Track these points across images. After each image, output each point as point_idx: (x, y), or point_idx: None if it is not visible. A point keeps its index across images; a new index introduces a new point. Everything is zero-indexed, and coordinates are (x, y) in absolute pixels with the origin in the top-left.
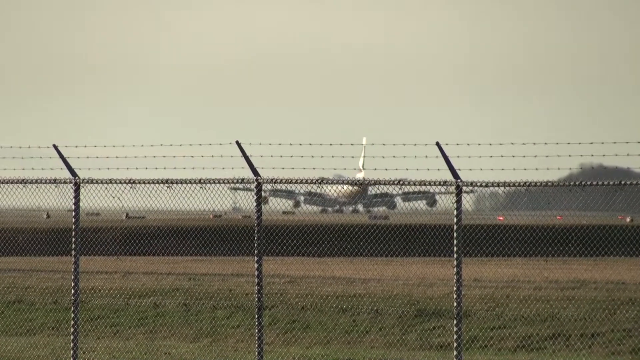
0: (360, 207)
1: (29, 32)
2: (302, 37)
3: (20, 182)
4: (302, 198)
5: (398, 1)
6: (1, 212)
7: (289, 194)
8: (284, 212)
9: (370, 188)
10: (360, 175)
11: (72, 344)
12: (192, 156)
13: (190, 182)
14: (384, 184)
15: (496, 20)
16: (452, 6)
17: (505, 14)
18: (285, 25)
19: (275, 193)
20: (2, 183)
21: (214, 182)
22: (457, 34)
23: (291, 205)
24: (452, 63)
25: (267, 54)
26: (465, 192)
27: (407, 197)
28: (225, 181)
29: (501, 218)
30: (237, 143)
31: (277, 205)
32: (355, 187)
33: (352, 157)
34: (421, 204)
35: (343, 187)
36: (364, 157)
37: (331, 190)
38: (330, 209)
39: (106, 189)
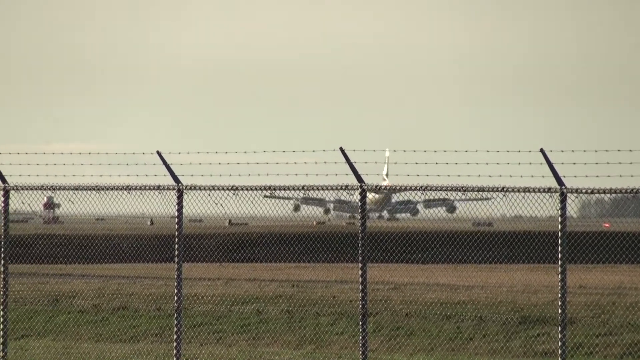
0: (385, 214)
1: (135, 38)
2: (388, 40)
3: (125, 189)
4: (331, 205)
5: (503, 2)
6: (106, 218)
7: (320, 202)
8: (387, 219)
9: (394, 195)
10: (384, 184)
11: (175, 351)
12: (295, 162)
13: (293, 189)
14: (487, 190)
15: (602, 23)
16: (554, 9)
17: (612, 14)
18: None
19: (307, 201)
20: (107, 189)
21: (317, 189)
22: (564, 38)
23: (322, 212)
24: (555, 68)
25: (364, 57)
26: (480, 199)
27: (428, 204)
28: (329, 188)
29: (607, 225)
30: (341, 149)
31: (309, 211)
32: (381, 195)
33: (455, 163)
34: (441, 211)
35: (370, 195)
36: (387, 165)
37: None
38: (358, 215)
39: (209, 195)
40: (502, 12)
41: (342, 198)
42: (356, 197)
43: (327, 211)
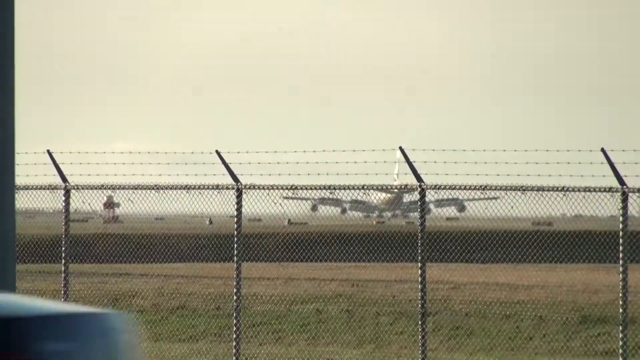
0: (398, 213)
1: (196, 37)
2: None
3: (184, 188)
4: (347, 205)
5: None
6: (166, 218)
7: (336, 202)
8: (447, 219)
9: (405, 195)
10: (395, 183)
11: (234, 350)
12: (355, 162)
13: (352, 188)
14: (547, 190)
15: None
16: (618, 5)
17: None
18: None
19: (324, 201)
20: (167, 189)
21: (376, 189)
22: (626, 35)
23: (338, 212)
24: (618, 67)
25: (425, 58)
26: (489, 198)
27: (439, 203)
28: (388, 187)
29: None
30: (400, 149)
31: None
32: (393, 195)
33: (515, 163)
34: (452, 210)
35: (383, 195)
36: (398, 164)
37: (374, 198)
38: (372, 215)
39: (268, 194)
40: (565, 10)
41: (359, 198)
42: (374, 197)
43: (344, 211)
